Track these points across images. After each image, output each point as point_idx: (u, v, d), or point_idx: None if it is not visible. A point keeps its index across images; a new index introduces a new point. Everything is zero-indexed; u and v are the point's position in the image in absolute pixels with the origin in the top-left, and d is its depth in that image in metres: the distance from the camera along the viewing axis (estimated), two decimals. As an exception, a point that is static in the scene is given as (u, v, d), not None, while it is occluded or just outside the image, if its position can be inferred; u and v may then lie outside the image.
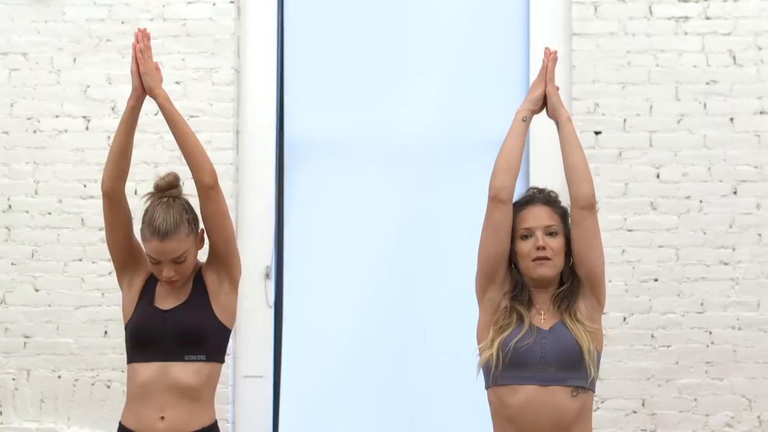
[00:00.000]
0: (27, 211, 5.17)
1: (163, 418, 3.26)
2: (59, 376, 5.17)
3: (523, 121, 3.19)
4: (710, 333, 4.98)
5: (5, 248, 5.18)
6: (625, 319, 5.01)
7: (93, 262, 5.13)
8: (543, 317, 3.05)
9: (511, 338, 2.99)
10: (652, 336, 5.00)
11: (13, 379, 5.18)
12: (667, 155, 5.06)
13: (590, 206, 3.08)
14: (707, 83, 5.07)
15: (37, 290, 5.16)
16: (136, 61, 3.39)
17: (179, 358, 3.26)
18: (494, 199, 3.07)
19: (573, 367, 2.98)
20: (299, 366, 5.24)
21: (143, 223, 3.33)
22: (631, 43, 5.09)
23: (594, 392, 3.06)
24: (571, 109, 5.08)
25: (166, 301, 3.33)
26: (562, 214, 3.15)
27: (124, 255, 3.39)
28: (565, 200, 3.19)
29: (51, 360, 5.14)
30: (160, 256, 3.26)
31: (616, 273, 5.00)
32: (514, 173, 3.10)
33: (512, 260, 3.11)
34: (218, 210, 3.36)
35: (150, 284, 3.37)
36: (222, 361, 3.39)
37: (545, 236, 3.05)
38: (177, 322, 3.28)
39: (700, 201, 5.03)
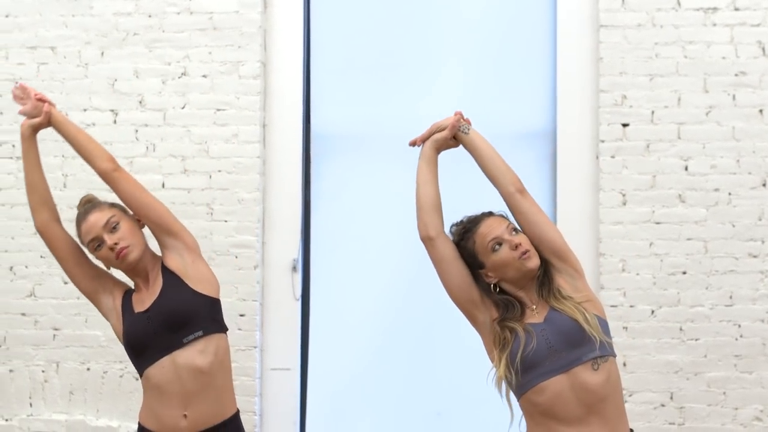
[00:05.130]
0: (56, 205, 5.20)
1: (185, 415, 3.26)
2: (88, 369, 5.21)
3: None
4: (739, 326, 4.95)
5: (34, 241, 5.21)
6: (653, 312, 4.98)
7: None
8: (536, 312, 3.07)
9: (515, 350, 3.01)
10: (681, 329, 4.97)
11: (43, 371, 5.22)
12: (695, 147, 5.03)
13: (520, 189, 3.16)
14: (736, 75, 5.03)
15: (65, 283, 5.18)
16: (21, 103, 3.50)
17: (179, 344, 3.27)
18: (426, 240, 3.15)
19: (580, 343, 2.99)
20: (326, 358, 5.25)
21: (79, 238, 3.44)
22: (659, 34, 5.06)
23: (614, 356, 3.05)
24: (598, 101, 5.06)
25: (143, 303, 3.35)
26: (505, 216, 3.19)
27: (88, 280, 3.45)
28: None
29: (80, 352, 5.18)
30: (93, 231, 3.33)
31: (644, 265, 4.98)
32: (435, 208, 3.17)
33: (485, 283, 3.13)
34: (130, 187, 3.43)
35: (126, 299, 3.40)
36: (222, 330, 3.37)
37: (512, 235, 3.09)
38: (159, 313, 3.29)
39: (729, 193, 5.00)
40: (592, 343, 2.97)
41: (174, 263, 3.37)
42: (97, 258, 3.40)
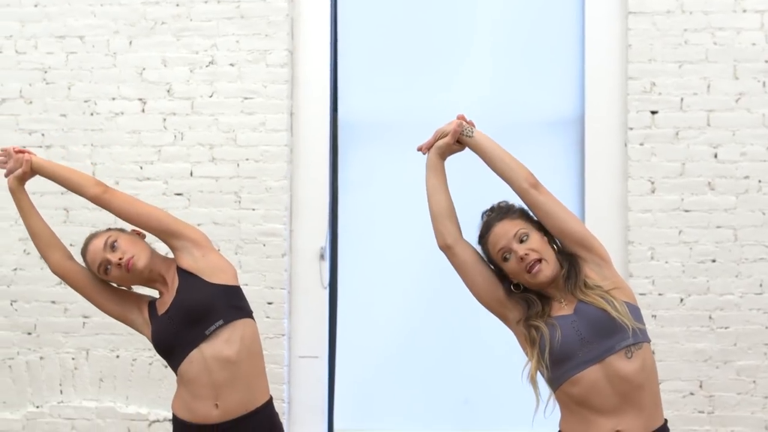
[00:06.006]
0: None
1: (217, 405, 3.29)
2: (117, 356, 5.24)
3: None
4: (769, 314, 4.93)
5: (64, 229, 5.24)
6: (682, 300, 4.96)
7: (149, 243, 5.17)
8: (564, 304, 3.05)
9: (543, 346, 3.00)
10: (710, 317, 4.95)
11: (73, 359, 5.26)
12: (725, 134, 4.99)
13: (534, 184, 3.09)
14: (766, 61, 4.99)
15: (95, 271, 5.23)
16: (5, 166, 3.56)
17: (202, 337, 3.31)
18: (445, 249, 3.18)
19: (611, 332, 2.96)
20: (354, 346, 5.26)
21: (91, 271, 3.50)
22: (688, 21, 5.02)
23: (648, 341, 3.03)
24: (627, 88, 5.03)
25: (165, 306, 3.42)
26: (521, 213, 3.14)
27: (113, 305, 3.52)
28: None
29: (109, 340, 5.21)
30: (97, 256, 3.41)
31: (672, 253, 4.96)
32: (448, 216, 3.18)
33: (511, 283, 3.13)
34: (123, 203, 3.48)
35: (152, 308, 3.48)
36: (245, 315, 3.40)
37: (520, 245, 3.05)
38: (178, 311, 3.35)
39: (759, 181, 4.96)
40: (624, 331, 2.95)
41: (186, 262, 3.41)
42: (113, 281, 3.48)
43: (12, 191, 3.51)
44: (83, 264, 3.51)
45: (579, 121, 5.16)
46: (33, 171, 3.50)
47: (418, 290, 5.24)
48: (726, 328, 4.94)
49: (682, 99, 5.02)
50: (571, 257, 3.08)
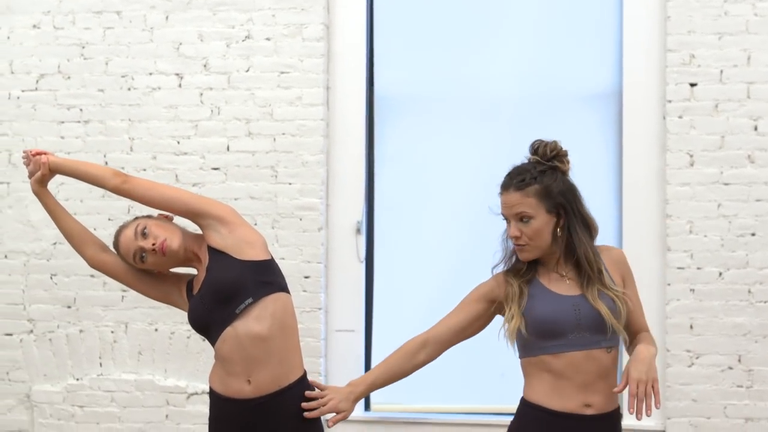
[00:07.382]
0: (122, 168, 5.25)
1: (249, 381, 3.30)
2: (156, 329, 5.28)
3: None
4: (809, 288, 4.88)
5: (102, 204, 5.29)
6: (720, 274, 4.92)
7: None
8: (568, 281, 3.08)
9: (534, 308, 3.07)
10: (749, 291, 4.91)
11: (112, 332, 5.31)
12: (765, 107, 4.93)
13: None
14: (808, 32, 4.92)
15: (133, 245, 5.26)
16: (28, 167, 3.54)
17: (233, 316, 3.30)
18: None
19: (605, 331, 3.03)
20: (390, 319, 5.27)
21: (127, 263, 3.51)
22: (728, -9, 4.96)
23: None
24: (665, 60, 4.98)
25: (199, 284, 3.42)
26: (537, 191, 3.06)
27: (154, 291, 3.54)
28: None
29: (148, 313, 5.25)
30: (130, 246, 3.41)
31: (711, 227, 4.92)
32: (419, 351, 3.53)
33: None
34: (144, 191, 3.47)
35: (189, 287, 3.48)
36: (275, 290, 3.36)
37: (518, 223, 3.05)
38: (208, 290, 3.34)
39: (800, 153, 4.91)
40: (614, 336, 3.06)
41: (214, 240, 3.40)
42: (150, 268, 3.47)
43: (36, 195, 3.53)
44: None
45: (617, 94, 5.12)
46: (52, 171, 3.49)
47: (455, 263, 5.23)
48: (765, 302, 4.90)
49: (721, 71, 4.96)
50: (602, 270, 3.10)
